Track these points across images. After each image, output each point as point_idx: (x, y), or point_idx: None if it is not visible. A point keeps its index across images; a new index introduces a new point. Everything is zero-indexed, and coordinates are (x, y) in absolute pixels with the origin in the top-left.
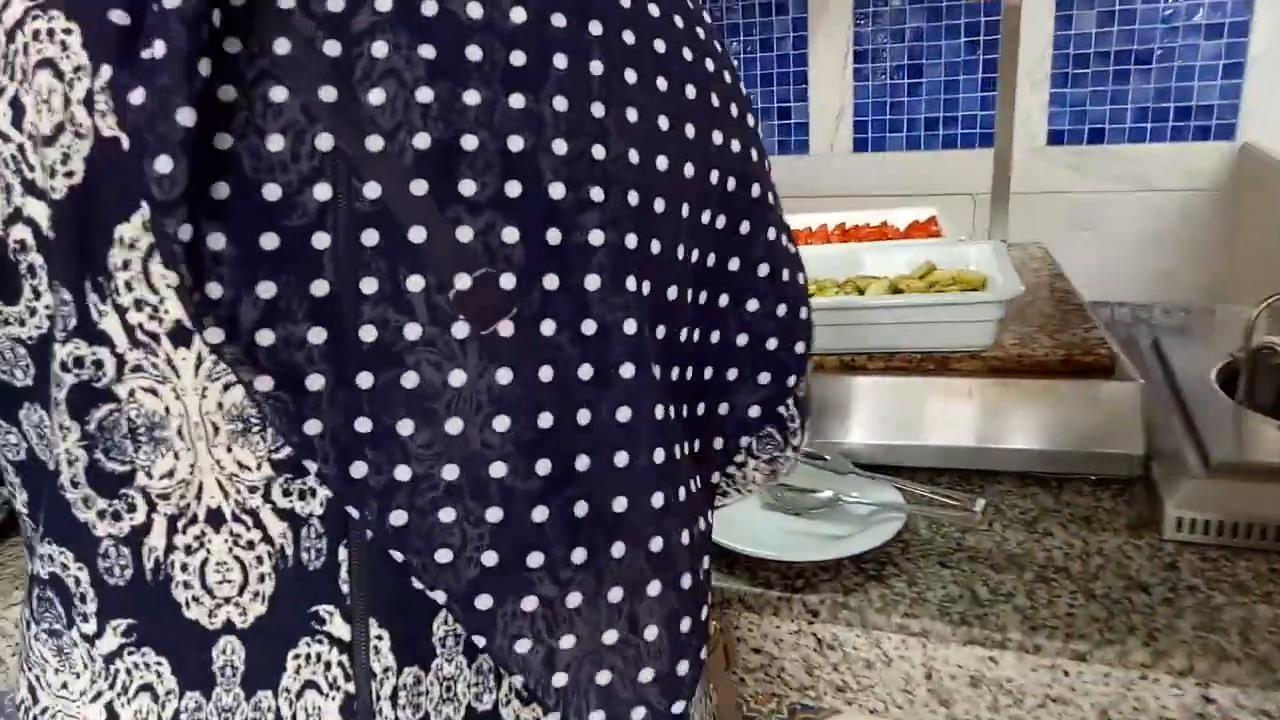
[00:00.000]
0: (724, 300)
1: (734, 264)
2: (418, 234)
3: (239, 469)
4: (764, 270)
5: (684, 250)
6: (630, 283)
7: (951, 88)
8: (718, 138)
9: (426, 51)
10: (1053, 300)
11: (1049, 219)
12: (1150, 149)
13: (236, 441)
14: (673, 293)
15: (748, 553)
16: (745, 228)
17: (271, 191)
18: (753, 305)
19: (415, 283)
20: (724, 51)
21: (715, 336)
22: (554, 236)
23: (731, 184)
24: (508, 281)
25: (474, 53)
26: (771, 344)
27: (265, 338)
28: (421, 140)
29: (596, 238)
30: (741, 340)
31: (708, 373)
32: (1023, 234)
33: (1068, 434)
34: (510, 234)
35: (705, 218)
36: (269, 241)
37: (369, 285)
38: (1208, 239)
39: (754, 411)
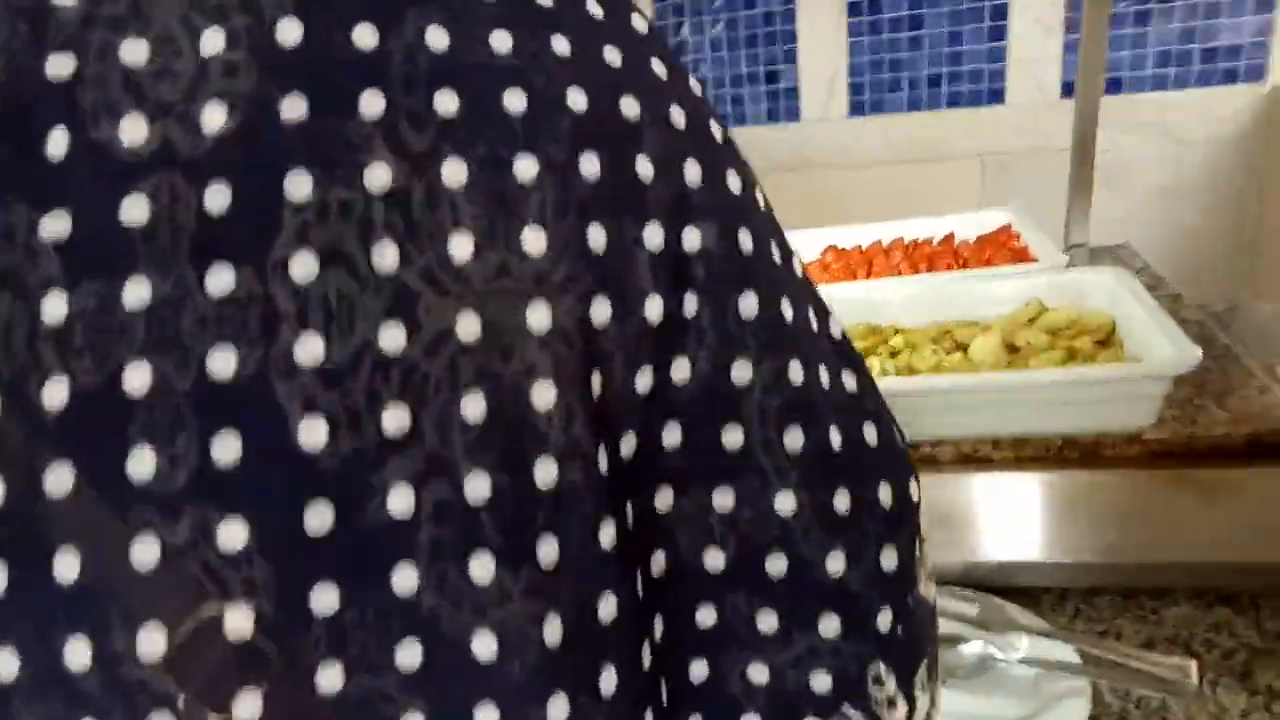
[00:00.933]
0: (687, 501)
1: (701, 435)
2: (68, 565)
3: None
4: (772, 405)
5: (606, 459)
6: (481, 563)
7: (955, 39)
8: (655, 227)
9: (55, 227)
10: (1199, 344)
11: (1063, 177)
12: (1171, 97)
13: None
14: (605, 536)
15: None
16: (690, 366)
17: None
18: (735, 495)
19: (78, 654)
20: (660, 55)
21: (685, 568)
22: (321, 519)
23: (694, 304)
24: (241, 622)
25: (136, 211)
26: (820, 565)
27: None
28: (56, 394)
29: (403, 502)
30: (739, 563)
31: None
32: (1034, 195)
33: (1267, 539)
34: (232, 537)
35: (643, 382)
36: None
37: (8, 667)
38: (1235, 189)
39: (803, 680)
